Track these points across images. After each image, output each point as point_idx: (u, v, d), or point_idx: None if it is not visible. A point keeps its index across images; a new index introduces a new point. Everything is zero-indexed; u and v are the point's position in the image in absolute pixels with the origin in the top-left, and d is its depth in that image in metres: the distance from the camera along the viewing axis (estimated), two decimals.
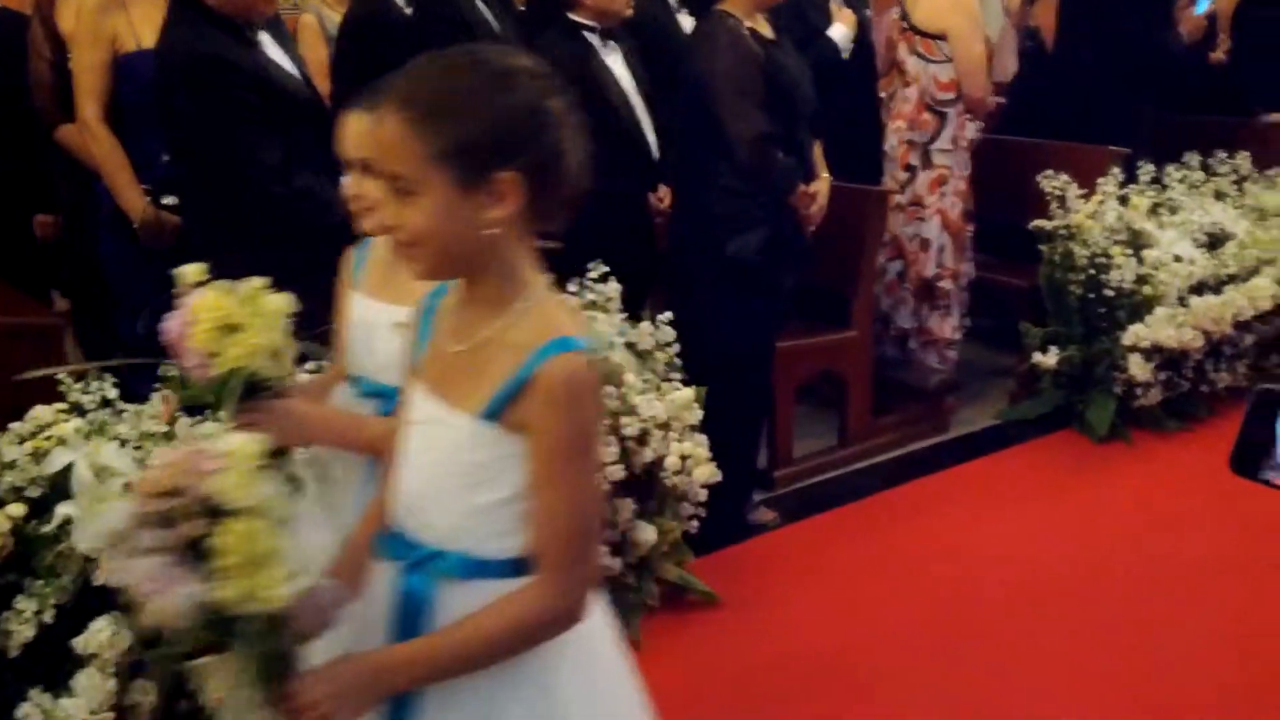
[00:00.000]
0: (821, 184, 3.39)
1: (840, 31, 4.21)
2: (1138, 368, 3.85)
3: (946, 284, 4.27)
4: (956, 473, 3.90)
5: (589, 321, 1.43)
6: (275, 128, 2.61)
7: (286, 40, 2.90)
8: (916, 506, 3.65)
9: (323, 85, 3.50)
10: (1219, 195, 4.38)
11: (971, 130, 4.27)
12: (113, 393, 2.16)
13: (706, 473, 2.76)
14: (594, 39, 3.46)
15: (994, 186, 4.39)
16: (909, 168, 4.26)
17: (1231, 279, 4.02)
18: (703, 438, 2.79)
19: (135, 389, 2.21)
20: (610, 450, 2.56)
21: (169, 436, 2.07)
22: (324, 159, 2.08)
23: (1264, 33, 5.19)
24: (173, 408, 1.90)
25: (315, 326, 1.88)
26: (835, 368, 3.94)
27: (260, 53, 2.69)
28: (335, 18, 4.04)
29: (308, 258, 2.03)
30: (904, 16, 4.24)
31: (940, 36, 4.13)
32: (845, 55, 4.21)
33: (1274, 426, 0.75)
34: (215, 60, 2.58)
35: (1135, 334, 3.85)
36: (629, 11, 3.53)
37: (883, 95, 4.49)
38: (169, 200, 3.05)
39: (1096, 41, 4.56)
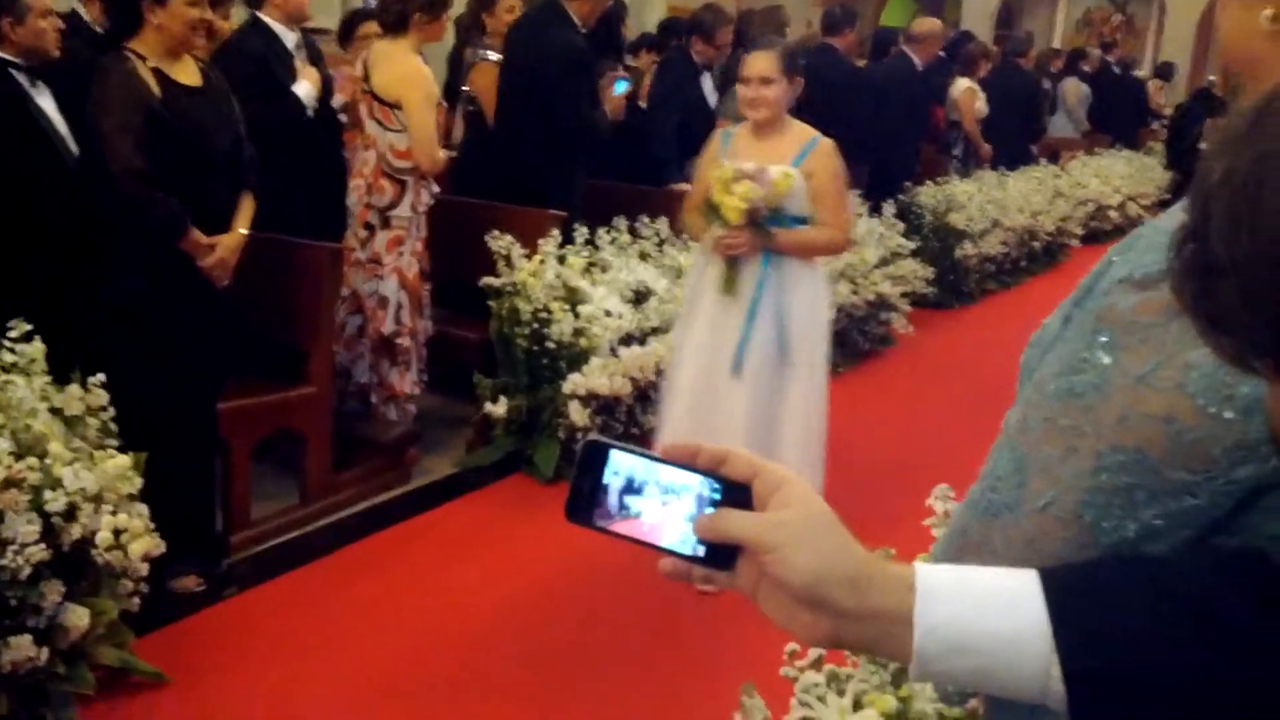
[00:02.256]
0: (230, 238, 3.33)
1: (305, 89, 4.21)
2: (577, 414, 4.20)
3: (405, 340, 4.38)
4: (417, 522, 4.00)
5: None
6: None
7: None
8: (380, 559, 3.69)
9: None
10: (643, 255, 4.89)
11: (427, 196, 4.43)
12: None
13: (146, 545, 2.61)
14: (23, 78, 3.26)
15: (446, 245, 4.58)
16: (368, 226, 4.33)
17: (655, 331, 4.51)
18: (143, 508, 2.64)
19: None
20: (31, 529, 2.34)
21: None
22: None
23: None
24: None
25: None
26: (293, 425, 3.89)
27: None
28: None
29: None
30: (365, 77, 4.31)
31: (396, 105, 4.24)
32: (310, 113, 4.22)
33: (600, 475, 0.84)
34: None
35: (574, 382, 4.19)
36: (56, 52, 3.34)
37: (345, 152, 4.55)
38: None
39: (533, 115, 4.94)
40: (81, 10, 4.77)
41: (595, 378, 4.20)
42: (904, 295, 6.28)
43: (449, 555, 3.74)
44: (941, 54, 8.12)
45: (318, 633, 3.21)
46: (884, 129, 7.09)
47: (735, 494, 0.82)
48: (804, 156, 3.39)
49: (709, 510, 0.82)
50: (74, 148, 3.46)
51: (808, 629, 0.80)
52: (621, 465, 0.84)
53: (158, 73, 3.14)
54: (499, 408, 4.28)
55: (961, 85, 8.29)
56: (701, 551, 0.82)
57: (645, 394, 4.45)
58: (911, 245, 6.48)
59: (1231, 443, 0.79)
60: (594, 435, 0.88)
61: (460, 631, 3.26)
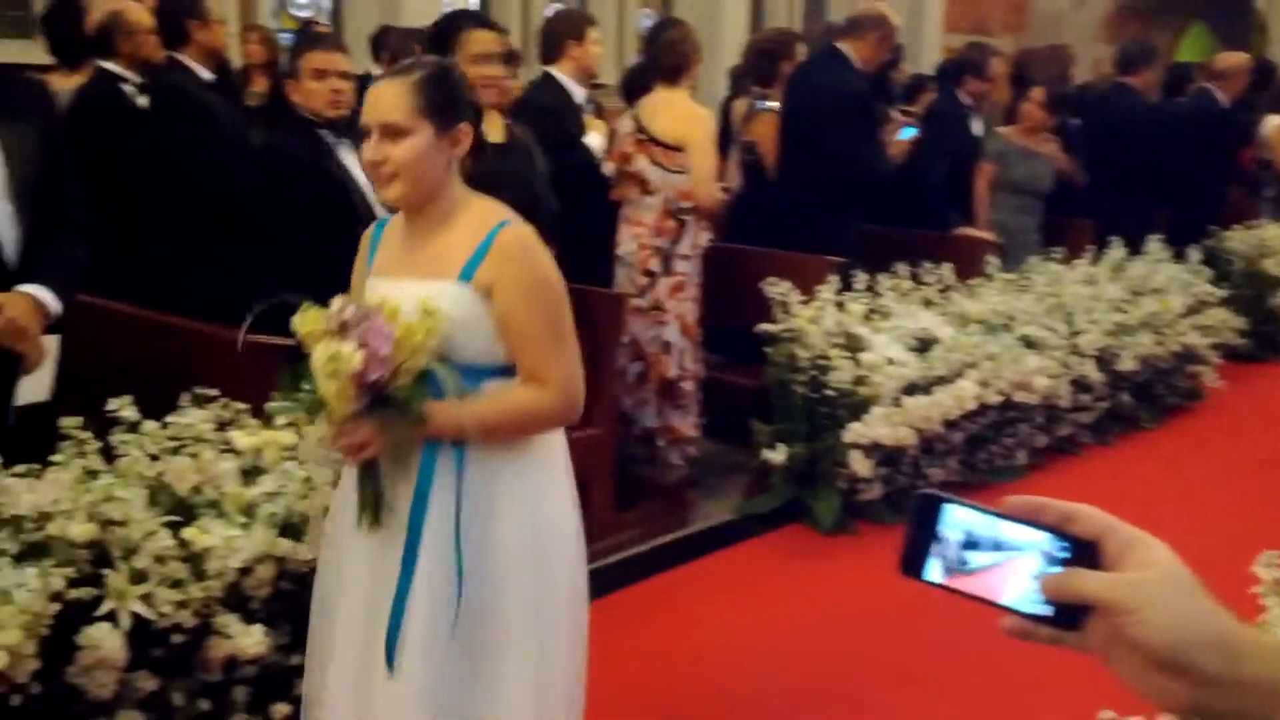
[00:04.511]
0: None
1: (595, 140, 4.40)
2: (859, 464, 4.10)
3: (688, 384, 4.43)
4: (696, 566, 4.00)
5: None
6: None
7: None
8: (658, 600, 3.72)
9: None
10: (927, 302, 4.76)
11: (704, 238, 4.49)
12: None
13: None
14: (328, 135, 3.48)
15: (721, 291, 4.61)
16: (649, 273, 4.42)
17: (940, 380, 4.36)
18: None
19: None
20: None
21: None
22: None
23: None
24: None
25: None
26: (578, 466, 3.99)
27: None
28: None
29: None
30: (639, 129, 4.43)
31: (678, 148, 4.34)
32: (600, 164, 4.40)
33: (934, 529, 0.82)
34: None
35: (855, 432, 4.10)
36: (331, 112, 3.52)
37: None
38: None
39: (814, 159, 4.93)
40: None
41: (878, 427, 4.10)
42: (1213, 346, 5.83)
43: (726, 600, 3.72)
44: (1245, 89, 7.55)
45: (595, 668, 3.25)
46: (1187, 171, 6.65)
47: (1084, 552, 0.80)
48: (479, 261, 2.02)
49: (1056, 569, 0.80)
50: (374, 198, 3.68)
51: (1166, 694, 0.77)
52: (958, 519, 0.83)
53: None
54: (777, 455, 4.24)
55: (1274, 123, 7.67)
56: (1049, 611, 0.79)
57: (931, 446, 4.31)
58: (1221, 293, 6.01)
59: None
60: (927, 488, 0.87)
61: (735, 678, 3.22)
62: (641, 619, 3.57)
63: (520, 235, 2.06)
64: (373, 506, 2.04)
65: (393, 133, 2.01)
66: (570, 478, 2.23)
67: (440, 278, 2.02)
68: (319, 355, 1.89)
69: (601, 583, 3.80)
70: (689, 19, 5.05)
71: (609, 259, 4.51)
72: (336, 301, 1.93)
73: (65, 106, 3.71)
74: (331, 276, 2.17)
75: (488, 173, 3.28)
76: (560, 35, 4.52)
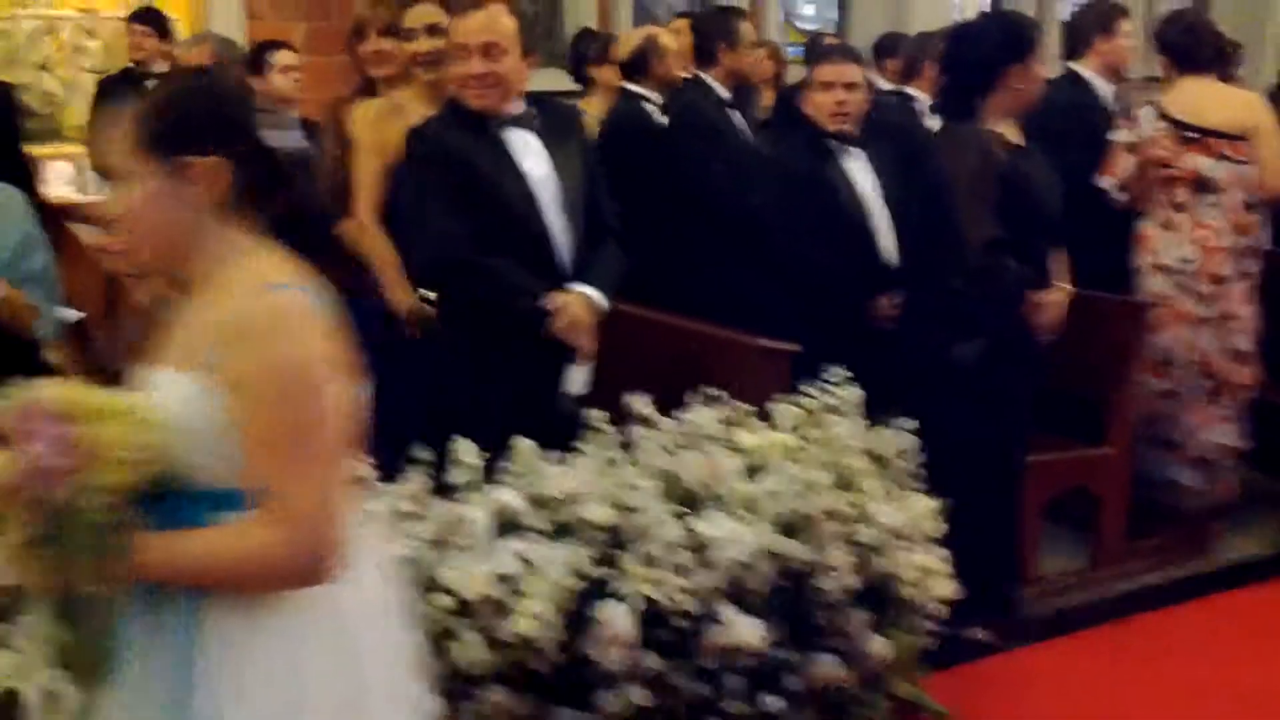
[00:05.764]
0: (1057, 294, 3.29)
1: (1124, 136, 4.11)
2: None
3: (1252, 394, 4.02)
4: (1218, 601, 3.63)
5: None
6: None
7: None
8: (1169, 634, 3.42)
9: None
10: None
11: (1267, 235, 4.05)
12: None
13: (945, 588, 2.67)
14: (833, 145, 3.57)
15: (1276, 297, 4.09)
16: (1218, 279, 3.97)
17: None
18: (943, 551, 2.71)
19: None
20: (844, 557, 2.51)
21: None
22: None
23: None
24: None
25: None
26: (1090, 484, 3.77)
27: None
28: None
29: None
30: (1179, 124, 4.01)
31: (1243, 137, 3.93)
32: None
33: None
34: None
35: None
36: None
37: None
38: (426, 293, 3.25)
39: None
40: None
41: None
42: None
43: (1249, 641, 3.35)
44: None
45: (1096, 698, 3.05)
46: None
47: None
48: (223, 344, 1.44)
49: None
50: (877, 208, 3.67)
51: None
52: None
53: (999, 136, 3.21)
54: None
55: None
56: None
57: None
58: None
59: None
60: None
61: None
62: (1148, 651, 3.32)
63: (277, 306, 1.44)
64: (92, 659, 1.49)
65: (121, 178, 1.51)
66: (382, 634, 1.59)
67: (181, 367, 1.46)
68: None
69: (1109, 609, 3.58)
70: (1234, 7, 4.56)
71: (1120, 271, 4.14)
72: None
73: (593, 127, 4.06)
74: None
75: (1027, 176, 3.17)
76: (1086, 29, 4.27)
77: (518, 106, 2.90)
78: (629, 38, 4.79)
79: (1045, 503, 3.64)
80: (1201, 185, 3.97)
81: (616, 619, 2.28)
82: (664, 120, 4.38)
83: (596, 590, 2.31)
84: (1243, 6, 7.85)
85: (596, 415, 2.59)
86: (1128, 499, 3.83)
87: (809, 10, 7.81)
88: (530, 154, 2.88)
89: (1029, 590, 3.59)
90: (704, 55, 4.30)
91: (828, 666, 2.56)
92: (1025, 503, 3.52)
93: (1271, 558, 3.91)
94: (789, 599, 2.51)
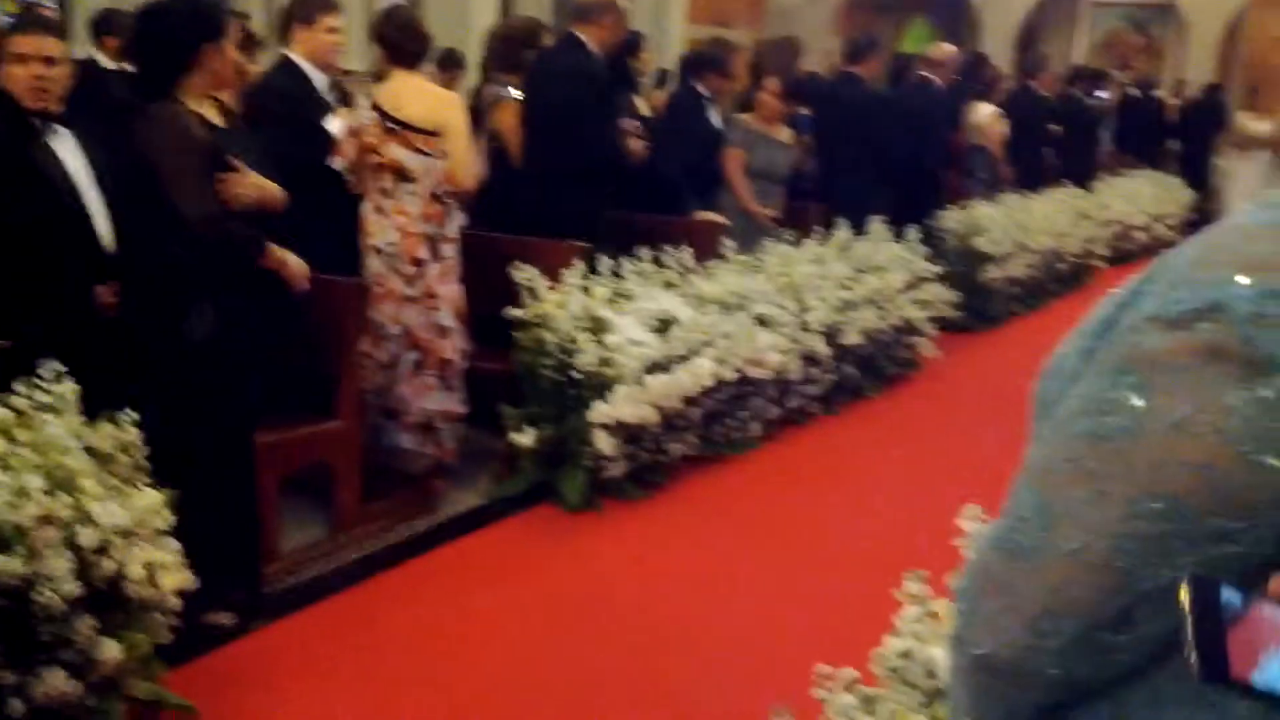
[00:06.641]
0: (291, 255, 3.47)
1: (338, 125, 4.29)
2: (604, 442, 4.20)
3: (461, 365, 4.41)
4: (445, 552, 4.01)
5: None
6: None
7: None
8: (408, 589, 3.70)
9: None
10: (668, 285, 4.90)
11: (462, 220, 4.48)
12: None
13: (178, 580, 2.63)
14: (37, 124, 3.30)
15: (471, 279, 4.60)
16: (417, 261, 4.32)
17: (680, 359, 4.52)
18: (174, 543, 2.66)
19: None
20: (64, 565, 2.37)
21: None
22: None
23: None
24: None
25: None
26: (323, 458, 3.94)
27: None
28: None
29: None
30: (385, 116, 4.32)
31: (435, 132, 4.28)
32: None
33: (1218, 618, 0.72)
34: None
35: (600, 411, 4.20)
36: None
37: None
38: None
39: (559, 145, 4.99)
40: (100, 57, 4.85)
41: (621, 407, 4.21)
42: (930, 319, 6.27)
43: (476, 584, 3.75)
44: (957, 77, 8.14)
45: (348, 664, 3.22)
46: (909, 155, 7.11)
47: None
48: None
49: None
50: (90, 192, 3.48)
51: None
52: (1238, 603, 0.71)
53: (198, 116, 3.21)
54: (525, 438, 4.29)
55: (984, 110, 8.31)
56: None
57: (672, 423, 4.46)
58: (937, 269, 6.46)
59: (1275, 490, 0.76)
60: (1193, 571, 0.75)
61: (489, 659, 3.26)
62: (391, 608, 3.55)
63: None
64: None
65: None
66: None
67: None
68: None
69: (349, 575, 3.79)
70: (439, 6, 5.01)
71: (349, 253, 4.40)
72: None
73: None
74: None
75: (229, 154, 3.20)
76: (289, 18, 4.40)
77: None
78: None
79: (283, 478, 3.74)
80: (401, 174, 4.34)
81: None
82: None
83: None
84: (448, 4, 8.66)
85: None
86: (359, 468, 4.07)
87: None
88: None
89: (272, 567, 3.68)
90: None
91: (56, 681, 2.41)
92: (263, 481, 3.59)
93: (488, 506, 4.41)
94: (6, 617, 2.31)
